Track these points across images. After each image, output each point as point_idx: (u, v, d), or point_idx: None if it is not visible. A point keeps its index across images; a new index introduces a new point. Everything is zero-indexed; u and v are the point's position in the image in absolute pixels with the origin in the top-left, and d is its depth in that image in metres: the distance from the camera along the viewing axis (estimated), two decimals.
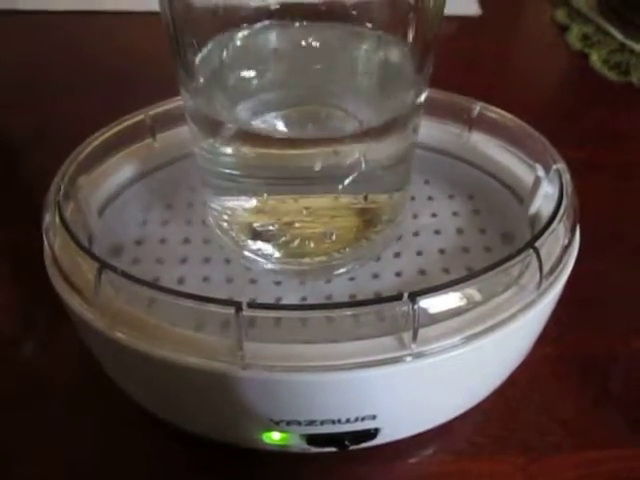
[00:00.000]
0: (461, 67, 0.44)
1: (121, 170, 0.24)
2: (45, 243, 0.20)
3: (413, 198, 0.25)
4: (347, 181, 0.20)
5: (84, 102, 0.40)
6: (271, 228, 0.21)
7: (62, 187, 0.21)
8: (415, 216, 0.25)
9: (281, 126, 0.21)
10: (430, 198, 0.25)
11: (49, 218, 0.20)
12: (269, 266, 0.22)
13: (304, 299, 0.21)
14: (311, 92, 0.22)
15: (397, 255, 0.23)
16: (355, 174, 0.20)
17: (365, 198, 0.21)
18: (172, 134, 0.25)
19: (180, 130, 0.25)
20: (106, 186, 0.23)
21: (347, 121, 0.21)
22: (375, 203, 0.22)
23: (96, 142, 0.23)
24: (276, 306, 0.18)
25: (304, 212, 0.21)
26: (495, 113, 0.24)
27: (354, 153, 0.20)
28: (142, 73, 0.42)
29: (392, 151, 0.21)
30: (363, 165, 0.20)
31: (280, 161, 0.20)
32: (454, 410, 0.22)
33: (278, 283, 0.22)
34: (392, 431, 0.21)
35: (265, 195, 0.21)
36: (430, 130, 0.25)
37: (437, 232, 0.24)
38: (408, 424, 0.22)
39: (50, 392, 0.25)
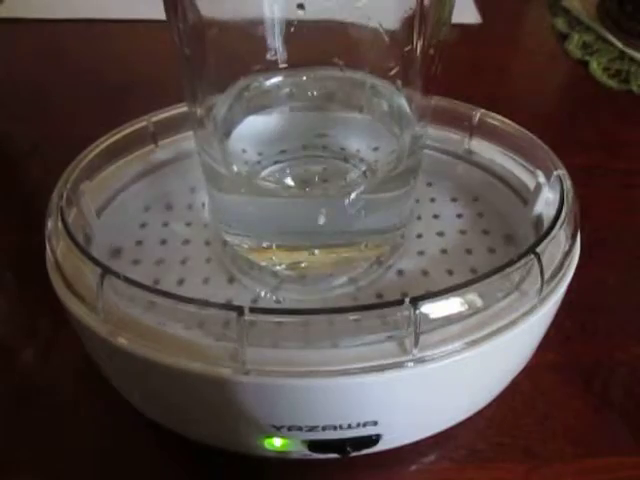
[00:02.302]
0: (461, 74, 0.44)
1: (122, 175, 0.24)
2: (47, 249, 0.20)
3: (417, 201, 0.25)
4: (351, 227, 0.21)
5: (83, 111, 0.40)
6: (278, 268, 0.22)
7: (65, 193, 0.21)
8: (418, 217, 0.25)
9: (287, 180, 0.22)
10: (433, 200, 0.25)
11: (52, 224, 0.20)
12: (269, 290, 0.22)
13: (305, 300, 0.21)
14: (317, 141, 0.23)
15: (399, 255, 0.23)
16: (359, 221, 0.21)
17: (367, 244, 0.22)
18: (174, 140, 0.25)
19: (182, 136, 0.25)
20: (107, 189, 0.23)
21: (351, 171, 0.22)
22: (379, 246, 0.22)
23: (99, 148, 0.23)
24: (278, 310, 0.18)
25: (309, 254, 0.21)
26: (496, 120, 0.24)
27: (358, 203, 0.21)
28: (141, 82, 0.42)
29: (394, 196, 0.22)
30: (365, 213, 0.21)
31: (285, 214, 0.21)
32: (456, 416, 0.22)
33: (280, 284, 0.22)
34: (393, 437, 0.21)
35: (271, 242, 0.22)
36: (431, 135, 0.25)
37: (440, 234, 0.24)
38: (409, 430, 0.22)
39: (51, 399, 0.25)
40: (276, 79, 0.22)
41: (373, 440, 0.20)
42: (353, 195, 0.20)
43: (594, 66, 0.45)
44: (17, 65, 0.46)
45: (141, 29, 0.47)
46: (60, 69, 0.45)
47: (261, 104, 0.22)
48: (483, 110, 0.24)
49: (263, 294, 0.22)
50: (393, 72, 0.21)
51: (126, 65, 0.45)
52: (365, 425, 0.19)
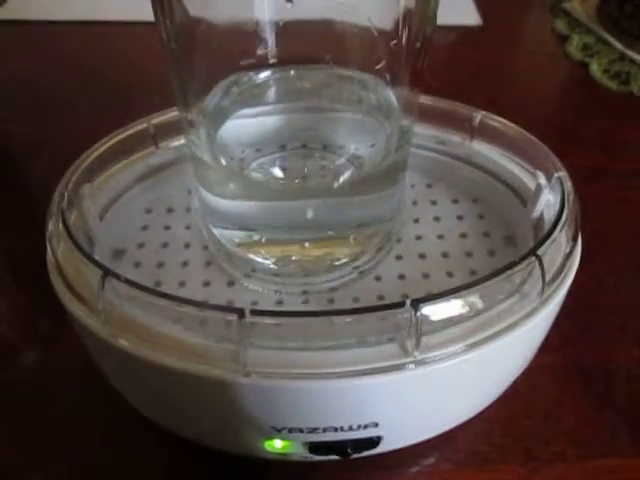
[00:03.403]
0: (461, 76, 0.44)
1: (123, 178, 0.24)
2: (48, 251, 0.20)
3: (415, 203, 0.25)
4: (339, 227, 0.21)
5: (85, 113, 0.40)
6: (267, 262, 0.22)
7: (66, 195, 0.21)
8: (418, 220, 0.25)
9: (276, 173, 0.22)
10: (433, 202, 0.25)
11: (53, 226, 0.20)
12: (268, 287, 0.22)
13: (306, 302, 0.21)
14: (306, 134, 0.23)
15: (400, 258, 0.23)
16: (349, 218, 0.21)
17: (356, 237, 0.22)
18: (174, 142, 0.25)
19: (182, 138, 0.25)
20: (109, 191, 0.23)
21: (339, 165, 0.22)
22: (368, 238, 0.22)
23: (99, 150, 0.23)
24: (278, 313, 0.18)
25: (300, 248, 0.22)
26: (496, 121, 0.24)
27: (351, 201, 0.21)
28: (141, 84, 0.42)
29: (382, 190, 0.22)
30: (353, 206, 0.21)
31: (274, 207, 0.21)
32: (456, 418, 0.22)
33: (279, 285, 0.22)
34: (394, 439, 0.21)
35: (261, 236, 0.22)
36: (432, 136, 0.25)
37: (440, 236, 0.24)
38: (410, 432, 0.22)
39: (51, 400, 0.25)
40: (265, 75, 0.22)
41: (374, 442, 0.20)
42: (341, 188, 0.20)
43: (594, 68, 0.46)
44: (19, 66, 0.46)
45: (142, 31, 0.47)
46: (61, 71, 0.45)
47: (250, 99, 0.22)
48: (484, 112, 0.24)
49: (264, 296, 0.22)
50: (380, 67, 0.21)
51: (127, 67, 0.45)
52: (366, 427, 0.19)
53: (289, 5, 0.18)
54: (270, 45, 0.20)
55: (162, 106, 0.24)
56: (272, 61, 0.21)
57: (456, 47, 0.48)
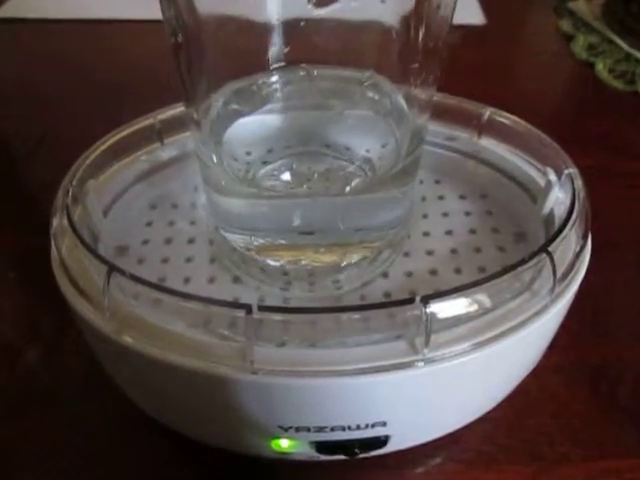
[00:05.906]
0: (466, 76, 0.44)
1: (127, 174, 0.24)
2: (53, 247, 0.20)
3: (424, 198, 0.25)
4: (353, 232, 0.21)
5: (88, 110, 0.40)
6: (276, 264, 0.22)
7: (70, 190, 0.21)
8: (426, 216, 0.24)
9: (286, 178, 0.22)
10: (441, 198, 0.25)
11: (57, 222, 0.20)
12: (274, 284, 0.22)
13: (313, 300, 0.21)
14: (315, 138, 0.23)
15: (407, 255, 0.23)
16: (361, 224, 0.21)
17: (368, 241, 0.22)
18: (180, 138, 0.25)
19: (188, 134, 0.24)
20: (113, 188, 0.23)
21: (351, 169, 0.22)
22: (381, 242, 0.22)
23: (104, 146, 0.23)
24: (286, 309, 0.18)
25: (313, 252, 0.21)
26: (505, 118, 0.24)
27: (363, 204, 0.20)
28: (141, 82, 0.42)
29: (395, 194, 0.21)
30: (365, 211, 0.21)
31: (284, 212, 0.21)
32: (464, 418, 0.22)
33: (287, 284, 0.22)
34: (402, 439, 0.21)
35: (271, 241, 0.21)
36: (440, 133, 0.25)
37: (448, 232, 0.24)
38: (418, 432, 0.22)
39: (54, 398, 0.25)
40: (274, 76, 0.22)
41: (382, 441, 0.20)
42: (352, 193, 0.20)
43: (600, 67, 0.45)
44: (18, 65, 0.46)
45: (143, 29, 0.47)
46: (61, 69, 0.45)
47: (258, 101, 0.22)
48: (492, 108, 0.24)
49: (270, 293, 0.21)
50: (393, 70, 0.21)
51: (127, 65, 0.45)
52: (374, 426, 0.19)
53: (309, 5, 0.18)
54: (280, 45, 0.20)
55: (167, 102, 0.24)
56: (282, 63, 0.21)
57: (460, 46, 0.48)
